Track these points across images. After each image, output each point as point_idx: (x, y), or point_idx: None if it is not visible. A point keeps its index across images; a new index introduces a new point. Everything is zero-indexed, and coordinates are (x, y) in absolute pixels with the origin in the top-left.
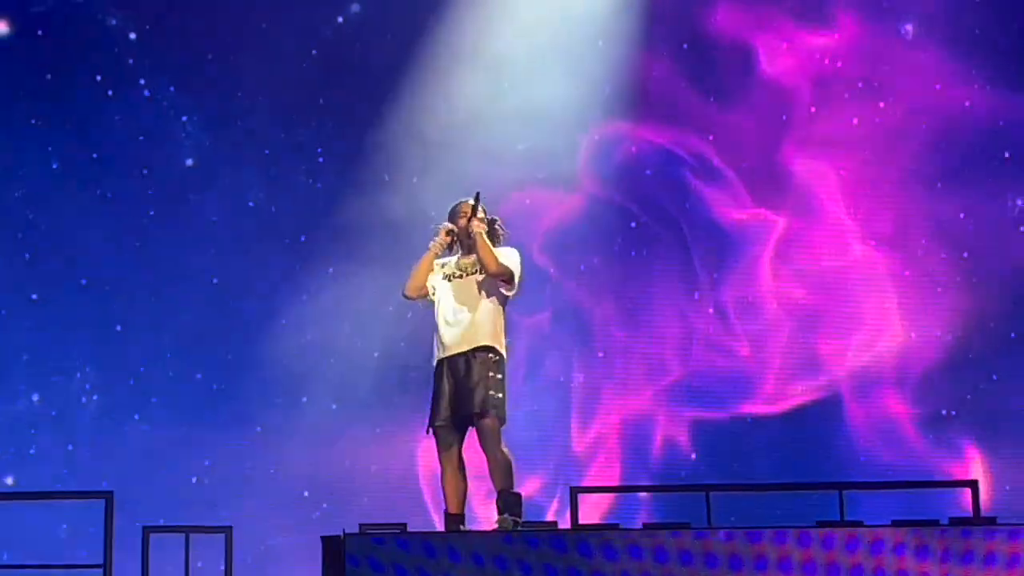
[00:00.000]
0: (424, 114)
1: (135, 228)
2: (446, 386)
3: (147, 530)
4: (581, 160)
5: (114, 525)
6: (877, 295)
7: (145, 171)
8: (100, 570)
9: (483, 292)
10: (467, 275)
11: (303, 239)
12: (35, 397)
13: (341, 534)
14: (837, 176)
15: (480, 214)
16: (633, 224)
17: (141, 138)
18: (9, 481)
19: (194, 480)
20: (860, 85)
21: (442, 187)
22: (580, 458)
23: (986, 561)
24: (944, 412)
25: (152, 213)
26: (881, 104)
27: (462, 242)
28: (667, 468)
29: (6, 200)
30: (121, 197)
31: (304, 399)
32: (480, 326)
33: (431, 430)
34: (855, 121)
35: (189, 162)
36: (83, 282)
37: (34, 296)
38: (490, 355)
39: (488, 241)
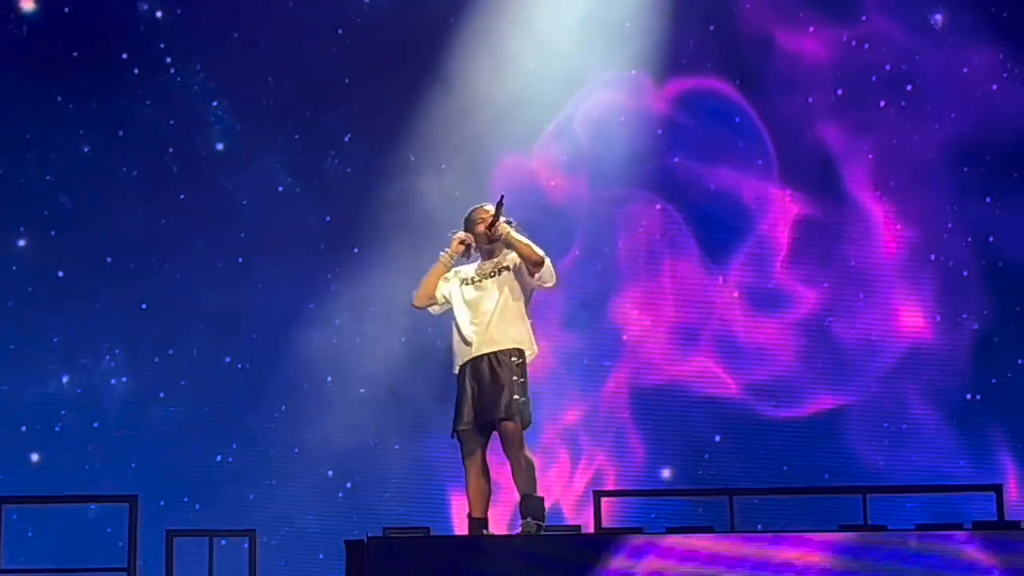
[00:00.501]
0: (452, 96)
1: (164, 210)
2: (469, 390)
3: (171, 534)
4: (607, 144)
5: (138, 528)
6: (902, 279)
7: (171, 151)
8: (124, 573)
9: (506, 295)
10: (487, 278)
11: (328, 219)
12: (65, 379)
13: (365, 538)
14: (863, 159)
15: (502, 216)
16: (659, 207)
17: (172, 122)
18: (35, 458)
19: (219, 459)
20: (887, 67)
21: (470, 170)
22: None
23: (1011, 566)
24: (969, 396)
25: (182, 197)
26: (908, 87)
27: (481, 247)
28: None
29: (36, 184)
30: (152, 180)
31: (329, 379)
32: (503, 328)
33: (455, 434)
34: (882, 104)
35: (219, 147)
36: (108, 260)
37: (60, 273)
38: (513, 358)
39: (521, 236)
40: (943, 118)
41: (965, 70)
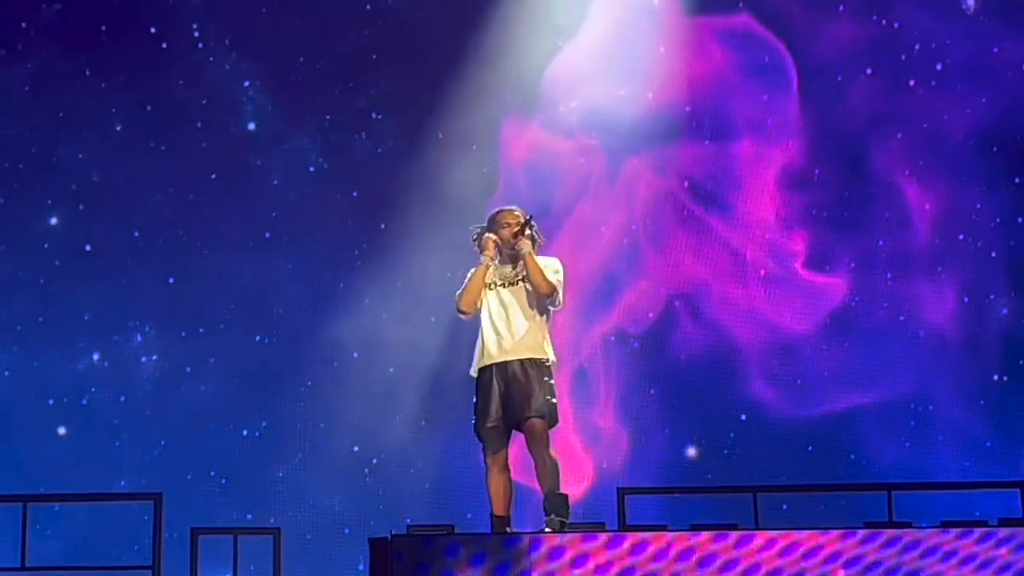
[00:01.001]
0: (481, 73)
1: (194, 188)
2: (496, 390)
3: (195, 532)
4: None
5: (163, 526)
6: (931, 260)
7: (202, 130)
8: (149, 571)
9: (529, 301)
10: (509, 284)
11: (355, 195)
12: (95, 356)
13: (389, 535)
14: (892, 139)
15: (528, 231)
16: (686, 183)
17: (204, 101)
18: (61, 431)
19: (245, 434)
20: (917, 48)
21: (497, 147)
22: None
23: None
24: (996, 378)
25: (213, 176)
26: (938, 66)
27: (503, 251)
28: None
29: (68, 161)
30: (182, 158)
31: (356, 355)
32: (530, 336)
33: (478, 433)
34: (911, 83)
35: (251, 126)
36: (136, 235)
37: (88, 247)
38: (543, 362)
39: (538, 261)
40: (973, 99)
41: (996, 51)
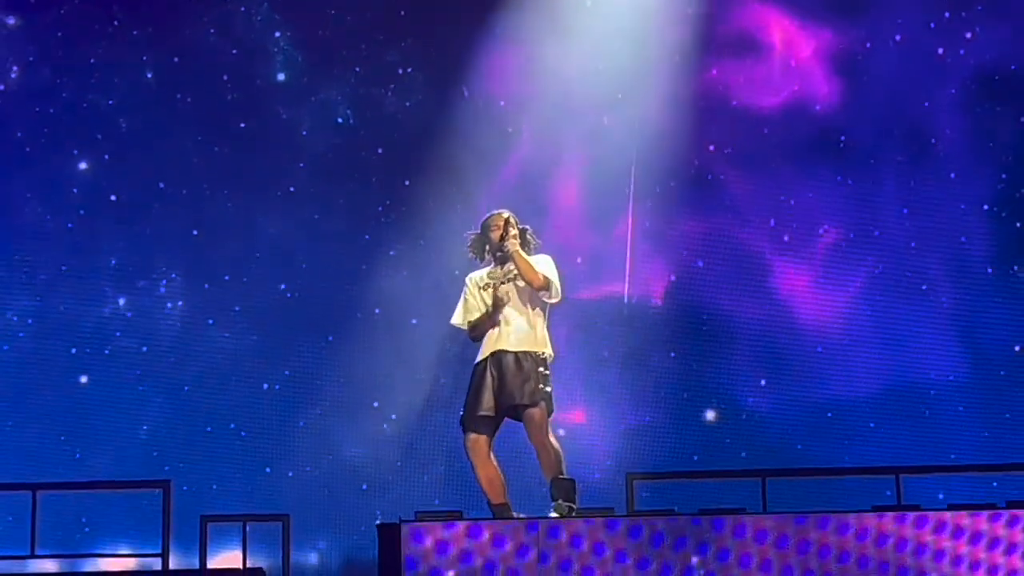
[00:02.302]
0: (510, 32)
1: (221, 138)
2: (490, 379)
3: (205, 519)
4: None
5: (171, 513)
6: (954, 229)
7: (232, 80)
8: (158, 559)
9: (524, 299)
10: (502, 283)
11: (380, 151)
12: (121, 301)
13: (398, 520)
14: (919, 107)
15: (513, 230)
16: (712, 147)
17: (234, 51)
18: (83, 380)
19: (265, 387)
20: (947, 15)
21: (525, 105)
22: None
23: None
24: (1018, 348)
25: (242, 125)
26: (967, 35)
27: (494, 254)
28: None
29: (99, 107)
30: (211, 108)
31: (377, 311)
32: (525, 332)
33: (466, 422)
34: (940, 51)
35: (280, 77)
36: (160, 185)
37: (113, 197)
38: (538, 353)
39: (526, 257)
40: (1002, 67)
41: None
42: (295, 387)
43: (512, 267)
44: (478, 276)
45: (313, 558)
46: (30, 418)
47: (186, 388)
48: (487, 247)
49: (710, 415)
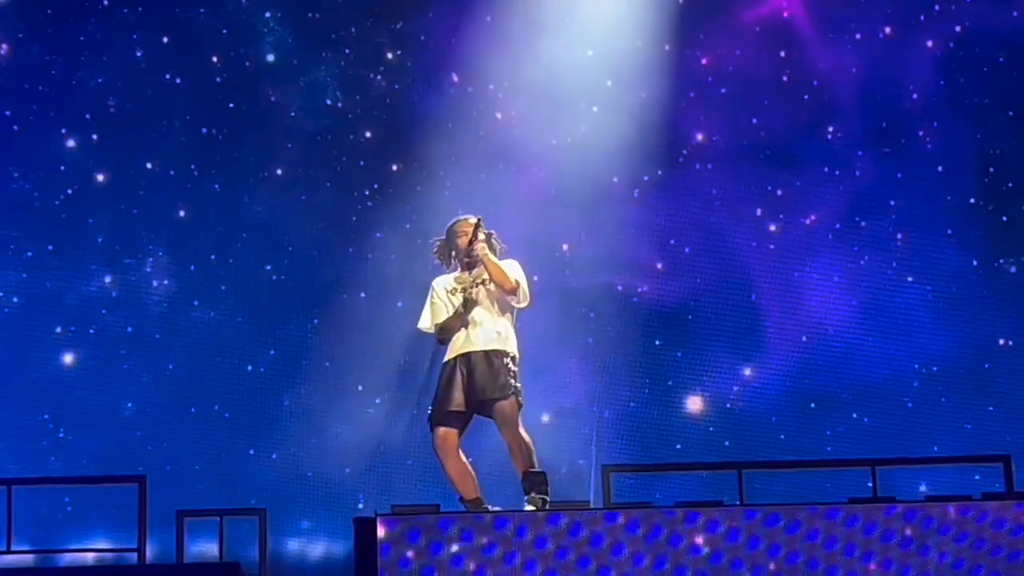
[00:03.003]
0: (499, 18)
1: (209, 118)
2: (459, 376)
3: (181, 514)
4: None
5: (147, 509)
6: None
7: (220, 60)
8: (135, 554)
9: (493, 302)
10: (470, 288)
11: (368, 134)
12: (107, 279)
13: (374, 514)
14: (907, 99)
15: (481, 234)
16: (700, 136)
17: (224, 31)
18: (68, 357)
19: (250, 368)
20: (937, 8)
21: (514, 91)
22: None
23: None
24: (1002, 342)
25: (231, 106)
26: (957, 28)
27: (461, 260)
28: None
29: (87, 86)
30: (200, 88)
31: (363, 295)
32: (493, 334)
33: (434, 419)
34: (929, 44)
35: (270, 58)
36: (148, 165)
37: (100, 176)
38: (507, 353)
39: (496, 262)
40: (991, 61)
41: (1015, 14)
42: (280, 368)
43: (481, 271)
44: (445, 280)
45: (294, 541)
46: (13, 395)
47: (171, 367)
48: (453, 253)
49: (693, 404)
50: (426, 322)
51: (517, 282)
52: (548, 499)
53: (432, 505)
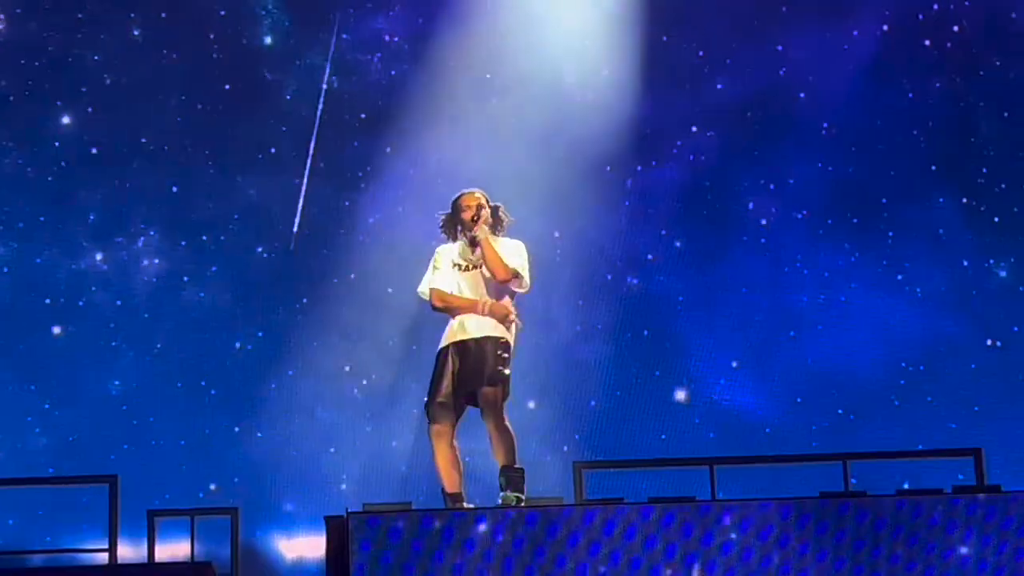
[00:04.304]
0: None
1: (205, 97)
2: (451, 366)
3: (152, 514)
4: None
5: (119, 509)
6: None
7: (218, 40)
8: (105, 554)
9: (487, 286)
10: (473, 267)
11: (363, 116)
12: (98, 256)
13: (345, 513)
14: (903, 98)
15: (485, 212)
16: (694, 128)
17: (222, 12)
18: (56, 331)
19: (237, 346)
20: (935, 7)
21: (510, 78)
22: None
23: (991, 529)
24: (989, 343)
25: (227, 87)
26: (955, 28)
27: (466, 235)
28: None
29: (84, 62)
30: (196, 67)
31: (352, 276)
32: (488, 320)
33: (428, 408)
34: (927, 43)
35: (267, 40)
36: (142, 141)
37: (94, 150)
38: (500, 339)
39: (495, 248)
40: (987, 62)
41: (1013, 15)
42: (267, 348)
43: (480, 253)
44: (450, 250)
45: (279, 521)
46: (3, 367)
47: (159, 345)
48: (459, 227)
49: (681, 395)
50: (425, 286)
51: (516, 270)
52: (523, 498)
53: (404, 503)
